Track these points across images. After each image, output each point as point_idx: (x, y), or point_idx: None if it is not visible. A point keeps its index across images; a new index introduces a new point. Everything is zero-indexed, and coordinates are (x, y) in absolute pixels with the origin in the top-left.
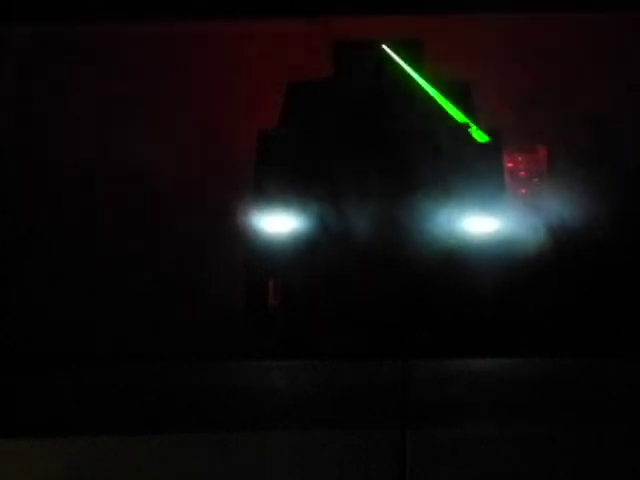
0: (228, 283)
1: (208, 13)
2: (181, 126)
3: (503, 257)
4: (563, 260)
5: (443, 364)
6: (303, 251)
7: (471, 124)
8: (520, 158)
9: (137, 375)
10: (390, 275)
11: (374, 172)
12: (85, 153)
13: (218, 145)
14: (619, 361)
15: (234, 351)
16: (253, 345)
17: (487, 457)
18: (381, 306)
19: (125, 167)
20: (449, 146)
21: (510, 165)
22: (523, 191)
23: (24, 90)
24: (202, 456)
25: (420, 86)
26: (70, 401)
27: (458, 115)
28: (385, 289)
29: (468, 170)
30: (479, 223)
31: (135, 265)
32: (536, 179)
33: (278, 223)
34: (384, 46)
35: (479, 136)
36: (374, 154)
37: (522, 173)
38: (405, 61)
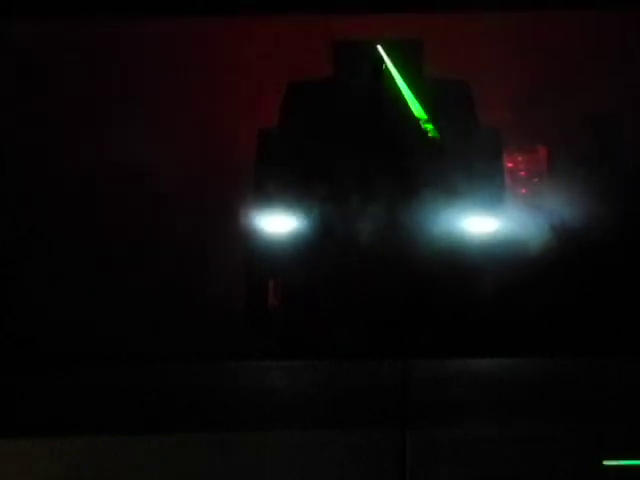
0: (228, 283)
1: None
2: (181, 126)
3: (503, 257)
4: (563, 260)
5: (443, 364)
6: (303, 251)
7: (428, 122)
8: (520, 158)
9: (137, 375)
10: (390, 275)
11: (374, 172)
12: (85, 153)
13: (218, 145)
14: (619, 361)
15: (234, 351)
16: (253, 345)
17: (487, 457)
18: (381, 306)
19: (125, 167)
20: (449, 146)
21: (510, 165)
22: (523, 191)
23: (24, 90)
24: (202, 456)
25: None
26: (70, 401)
27: (419, 111)
28: (385, 289)
29: (468, 170)
30: (479, 223)
31: (135, 265)
32: (536, 179)
33: (278, 223)
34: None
35: (433, 133)
36: (374, 154)
37: (522, 173)
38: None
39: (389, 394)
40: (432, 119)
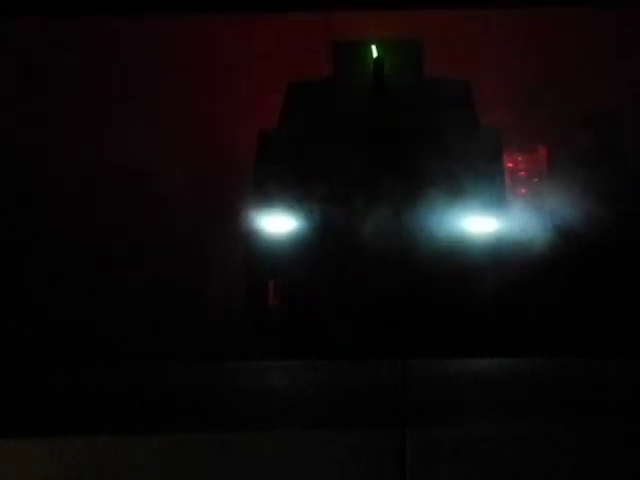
0: (228, 283)
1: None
2: (181, 126)
3: (503, 257)
4: (563, 260)
5: (443, 364)
6: (303, 251)
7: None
8: (520, 158)
9: (137, 375)
10: (390, 275)
11: (374, 172)
12: (85, 153)
13: (218, 145)
14: (619, 361)
15: (234, 351)
16: (253, 345)
17: (487, 457)
18: (381, 306)
19: (125, 167)
20: (449, 146)
21: (510, 165)
22: (523, 191)
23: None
24: (202, 456)
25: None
26: (70, 401)
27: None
28: (385, 289)
29: (468, 170)
30: (479, 223)
31: (135, 265)
32: (536, 179)
33: (278, 223)
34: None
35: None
36: (374, 154)
37: (522, 173)
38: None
39: (389, 394)
40: (432, 119)
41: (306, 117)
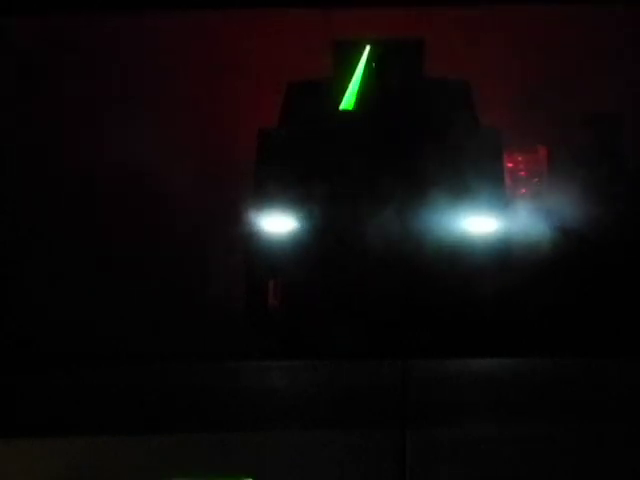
0: (228, 283)
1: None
2: (181, 126)
3: (503, 257)
4: (563, 260)
5: (443, 364)
6: (303, 251)
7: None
8: (520, 158)
9: (137, 375)
10: (390, 275)
11: (374, 172)
12: (85, 153)
13: (218, 145)
14: (619, 361)
15: (234, 351)
16: (253, 345)
17: (487, 457)
18: (381, 306)
19: (125, 167)
20: (449, 146)
21: (510, 165)
22: (523, 191)
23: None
24: (202, 456)
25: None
26: (70, 401)
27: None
28: (385, 289)
29: (468, 170)
30: (479, 223)
31: (135, 265)
32: (536, 179)
33: (278, 223)
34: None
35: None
36: (374, 154)
37: (522, 173)
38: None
39: (389, 394)
40: (432, 119)
41: (306, 117)
